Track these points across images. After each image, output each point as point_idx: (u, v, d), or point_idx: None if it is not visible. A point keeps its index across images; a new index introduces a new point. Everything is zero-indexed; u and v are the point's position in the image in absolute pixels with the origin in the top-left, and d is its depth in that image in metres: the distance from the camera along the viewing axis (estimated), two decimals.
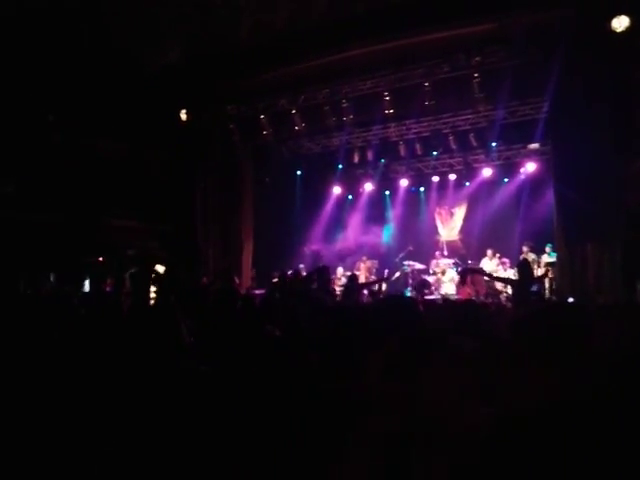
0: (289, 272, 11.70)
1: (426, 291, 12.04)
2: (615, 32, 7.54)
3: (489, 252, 11.75)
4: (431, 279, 12.51)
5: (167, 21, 9.16)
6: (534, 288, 7.71)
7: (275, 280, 9.67)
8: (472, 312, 3.89)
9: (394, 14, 8.61)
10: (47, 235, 9.82)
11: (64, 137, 10.40)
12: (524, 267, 8.47)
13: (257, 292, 10.63)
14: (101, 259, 11.29)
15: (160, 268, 11.36)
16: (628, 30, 7.40)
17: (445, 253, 13.21)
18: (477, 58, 9.39)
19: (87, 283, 10.74)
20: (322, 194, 14.98)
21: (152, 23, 9.19)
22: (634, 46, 7.58)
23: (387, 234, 14.96)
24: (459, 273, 8.21)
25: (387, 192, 15.09)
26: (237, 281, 10.63)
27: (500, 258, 11.54)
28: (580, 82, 8.28)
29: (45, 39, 8.91)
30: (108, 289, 10.00)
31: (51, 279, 10.65)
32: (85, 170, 10.55)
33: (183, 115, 11.04)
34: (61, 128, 10.32)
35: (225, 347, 2.47)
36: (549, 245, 10.96)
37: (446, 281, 12.17)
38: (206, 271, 11.23)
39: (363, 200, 15.25)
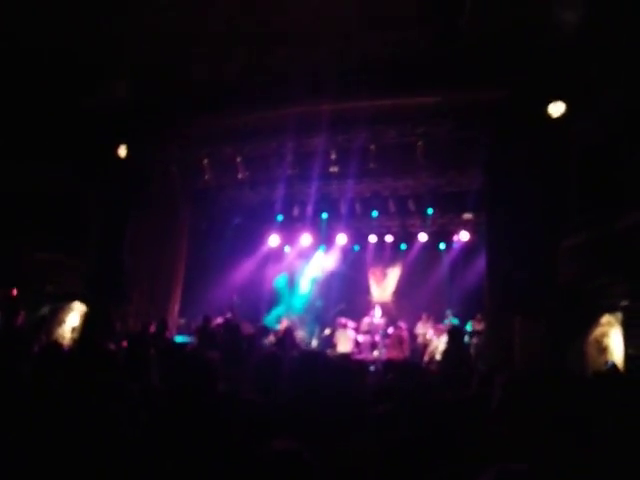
0: (219, 320, 11.37)
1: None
2: (551, 117, 8.03)
3: (424, 316, 11.92)
4: (361, 338, 12.47)
5: (116, 54, 8.98)
6: None
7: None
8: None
9: (346, 79, 8.85)
10: None
11: None
12: (455, 334, 8.58)
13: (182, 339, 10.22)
14: (14, 292, 10.54)
15: (80, 307, 10.75)
16: (564, 115, 7.89)
17: (378, 313, 13.26)
18: (422, 128, 9.75)
19: None
20: (257, 243, 14.84)
21: (99, 55, 8.97)
22: (568, 130, 8.08)
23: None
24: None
25: (323, 247, 15.17)
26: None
27: (434, 323, 11.69)
28: (515, 159, 8.71)
29: None
30: (19, 323, 9.32)
31: None
32: (11, 197, 9.94)
33: (122, 151, 10.69)
34: None
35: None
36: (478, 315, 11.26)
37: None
38: (129, 314, 10.68)
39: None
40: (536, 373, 1.45)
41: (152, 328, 8.39)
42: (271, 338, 9.90)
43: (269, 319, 13.12)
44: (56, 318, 10.52)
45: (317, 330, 13.13)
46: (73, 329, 10.53)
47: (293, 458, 1.24)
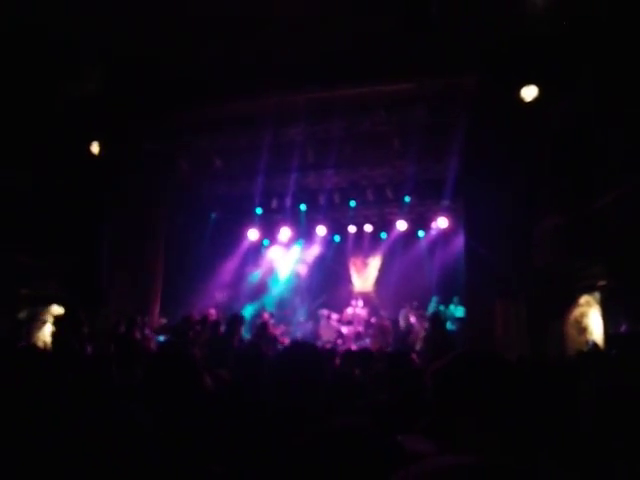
0: (198, 317, 11.25)
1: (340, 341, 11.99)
2: (524, 101, 8.04)
3: (407, 305, 11.99)
4: (344, 329, 12.49)
5: (86, 47, 8.78)
6: None
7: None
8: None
9: (320, 68, 8.77)
10: None
11: None
12: (436, 320, 8.62)
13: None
14: None
15: (58, 309, 10.57)
16: (537, 99, 7.91)
17: (360, 303, 13.28)
18: (397, 115, 9.73)
19: None
20: (236, 238, 14.72)
21: (69, 49, 8.77)
22: (542, 114, 8.12)
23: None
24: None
25: (301, 241, 15.10)
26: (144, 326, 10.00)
27: (417, 310, 11.75)
28: (490, 144, 8.76)
29: None
30: None
31: None
32: None
33: (95, 147, 10.47)
34: None
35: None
36: (455, 298, 11.36)
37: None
38: (110, 315, 10.53)
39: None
40: (475, 358, 1.40)
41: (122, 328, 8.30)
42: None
43: (245, 313, 13.08)
44: (36, 322, 10.35)
45: (304, 317, 13.16)
46: (52, 332, 10.35)
47: (361, 432, 1.22)
